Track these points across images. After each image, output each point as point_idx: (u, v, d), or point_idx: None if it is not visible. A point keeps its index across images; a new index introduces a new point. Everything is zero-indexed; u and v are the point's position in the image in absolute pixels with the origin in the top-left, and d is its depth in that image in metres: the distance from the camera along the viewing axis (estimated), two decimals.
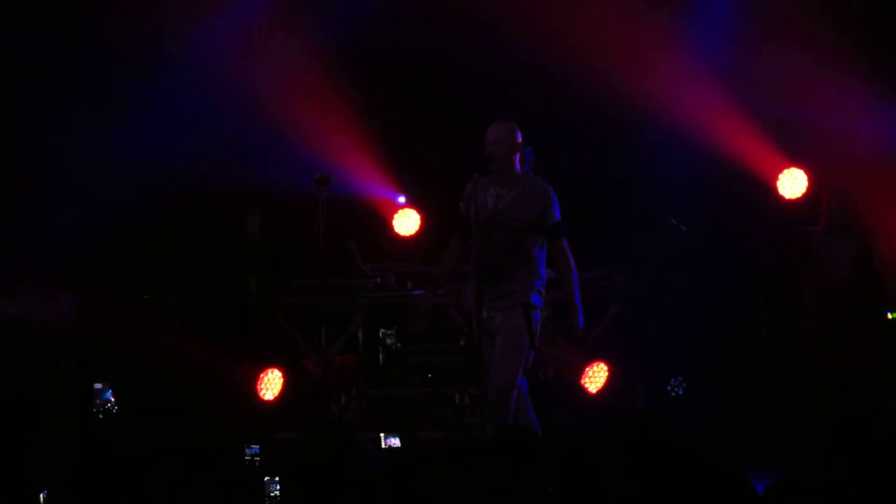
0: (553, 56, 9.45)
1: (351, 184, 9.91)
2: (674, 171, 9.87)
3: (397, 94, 10.13)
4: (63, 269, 8.97)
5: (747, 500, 4.20)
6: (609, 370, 9.30)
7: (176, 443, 7.84)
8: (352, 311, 9.35)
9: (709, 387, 9.65)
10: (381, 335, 9.44)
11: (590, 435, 4.99)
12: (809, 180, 9.63)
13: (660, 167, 9.94)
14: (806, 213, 9.39)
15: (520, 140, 7.30)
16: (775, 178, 9.71)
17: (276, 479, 6.62)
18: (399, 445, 8.00)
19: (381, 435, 7.83)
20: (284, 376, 9.42)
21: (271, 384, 9.42)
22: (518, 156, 7.31)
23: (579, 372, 9.28)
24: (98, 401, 8.88)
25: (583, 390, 9.28)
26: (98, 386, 8.89)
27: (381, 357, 9.41)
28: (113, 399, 8.92)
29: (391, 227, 10.37)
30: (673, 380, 9.75)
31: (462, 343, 9.13)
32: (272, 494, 6.59)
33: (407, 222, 10.39)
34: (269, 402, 9.35)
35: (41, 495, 6.21)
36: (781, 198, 9.69)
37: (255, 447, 6.86)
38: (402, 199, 10.45)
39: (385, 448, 7.96)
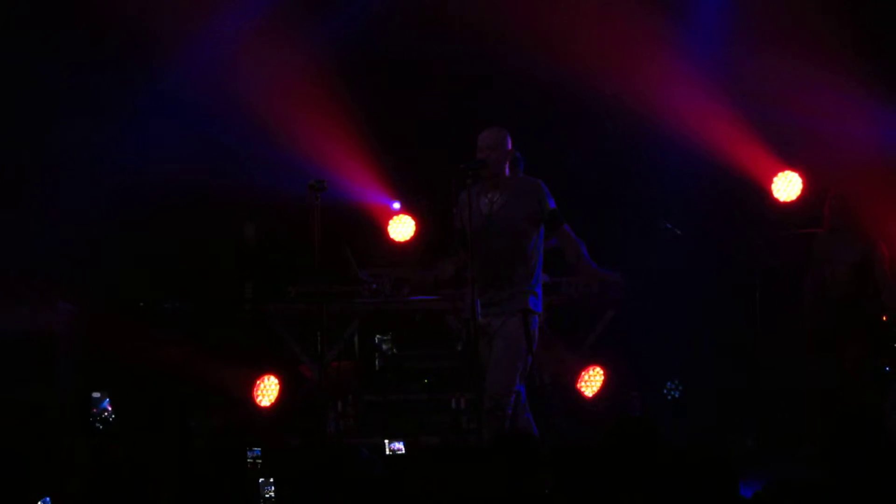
0: (548, 62, 9.48)
1: (346, 190, 9.92)
2: (668, 176, 9.89)
3: (392, 100, 10.15)
4: (60, 279, 8.98)
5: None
6: (605, 374, 9.30)
7: (173, 451, 7.83)
8: (348, 317, 9.36)
9: (705, 390, 9.66)
10: (377, 341, 9.45)
11: (586, 439, 5.01)
12: (804, 183, 9.66)
13: (654, 171, 9.97)
14: (801, 215, 9.42)
15: (510, 147, 7.33)
16: (770, 182, 9.74)
17: (271, 480, 6.62)
18: (403, 451, 7.99)
19: (385, 441, 7.82)
20: (281, 382, 9.43)
21: (268, 390, 9.43)
22: (509, 161, 7.34)
23: (575, 376, 9.30)
24: (96, 409, 8.88)
25: (579, 394, 9.28)
26: (96, 395, 8.89)
27: (377, 363, 9.42)
28: (110, 408, 8.91)
29: (386, 233, 10.40)
30: (669, 383, 9.76)
31: (459, 348, 9.15)
32: (266, 496, 6.59)
33: (402, 228, 10.41)
34: (265, 408, 9.36)
35: (40, 503, 6.21)
36: (776, 201, 9.72)
37: (257, 450, 6.86)
38: (396, 205, 10.47)
39: (389, 454, 7.94)
